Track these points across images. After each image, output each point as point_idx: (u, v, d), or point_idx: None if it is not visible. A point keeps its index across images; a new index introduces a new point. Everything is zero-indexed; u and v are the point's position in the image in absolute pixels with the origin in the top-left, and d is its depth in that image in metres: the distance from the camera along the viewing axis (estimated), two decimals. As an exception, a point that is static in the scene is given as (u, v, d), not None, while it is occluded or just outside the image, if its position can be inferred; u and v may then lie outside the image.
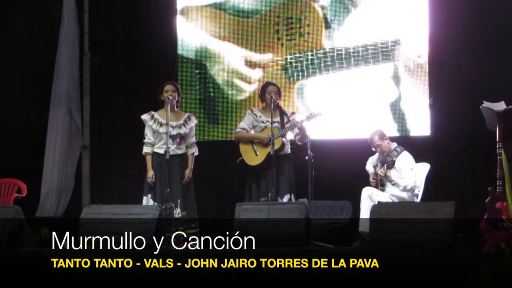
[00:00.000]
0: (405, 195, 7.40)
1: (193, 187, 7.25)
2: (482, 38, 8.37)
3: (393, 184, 7.40)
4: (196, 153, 7.30)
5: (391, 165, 7.41)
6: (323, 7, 8.83)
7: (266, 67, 8.89)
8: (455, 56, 8.46)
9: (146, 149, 7.24)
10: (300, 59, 8.83)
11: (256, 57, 8.92)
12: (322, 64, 8.79)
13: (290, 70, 8.87)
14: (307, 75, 8.81)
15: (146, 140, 7.25)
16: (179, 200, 7.10)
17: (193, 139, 7.32)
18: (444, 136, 8.50)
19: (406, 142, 8.23)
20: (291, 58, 8.86)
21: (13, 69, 9.07)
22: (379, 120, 8.60)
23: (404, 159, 7.48)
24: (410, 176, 7.38)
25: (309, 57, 8.79)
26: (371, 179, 7.58)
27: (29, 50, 9.13)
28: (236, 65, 8.98)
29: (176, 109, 7.33)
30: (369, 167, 7.68)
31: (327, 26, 8.80)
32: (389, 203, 6.90)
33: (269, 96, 7.29)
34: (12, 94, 9.07)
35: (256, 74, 8.93)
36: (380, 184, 7.53)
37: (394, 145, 7.61)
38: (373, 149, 7.65)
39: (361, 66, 8.71)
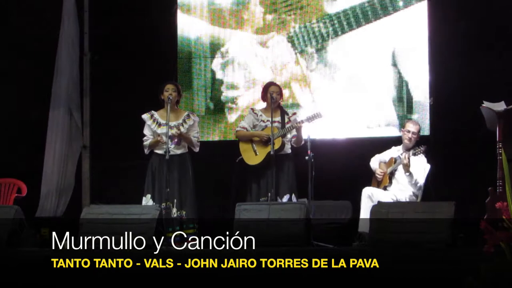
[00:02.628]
0: (407, 195, 7.39)
1: (194, 187, 7.26)
2: (482, 37, 8.37)
3: (407, 175, 7.34)
4: (195, 147, 7.28)
5: (418, 153, 7.34)
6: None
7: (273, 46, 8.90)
8: (455, 56, 8.46)
9: (146, 143, 7.23)
10: (305, 29, 8.85)
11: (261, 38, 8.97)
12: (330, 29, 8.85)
13: (296, 43, 8.88)
14: (315, 44, 8.81)
15: (145, 139, 7.24)
16: (175, 200, 7.10)
17: (196, 135, 7.31)
18: (444, 136, 8.50)
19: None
20: (294, 32, 8.88)
21: (13, 69, 9.07)
22: (379, 120, 8.62)
23: (423, 159, 7.46)
24: (422, 174, 7.38)
25: (314, 25, 8.81)
26: (378, 172, 7.52)
27: (29, 50, 9.13)
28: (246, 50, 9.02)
29: (176, 108, 7.33)
30: (375, 164, 7.66)
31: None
32: (389, 203, 6.90)
33: (269, 96, 7.30)
34: (12, 94, 9.07)
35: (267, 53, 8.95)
36: (389, 180, 7.48)
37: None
38: (406, 134, 7.50)
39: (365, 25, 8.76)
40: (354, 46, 8.78)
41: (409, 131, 7.51)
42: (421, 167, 7.41)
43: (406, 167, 7.34)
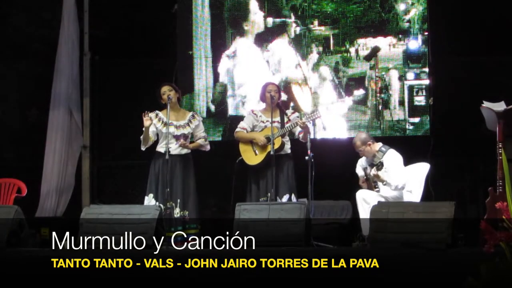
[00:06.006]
0: (397, 194, 7.38)
1: (195, 187, 7.26)
2: (482, 37, 8.37)
3: (384, 184, 7.36)
4: (206, 147, 7.34)
5: (380, 166, 7.34)
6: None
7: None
8: (455, 55, 8.47)
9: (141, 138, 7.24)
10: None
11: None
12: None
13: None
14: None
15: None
16: (179, 200, 7.11)
17: (203, 134, 7.37)
18: (444, 136, 8.50)
19: (406, 142, 8.24)
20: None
21: (13, 69, 9.08)
22: (379, 120, 8.61)
23: (391, 158, 7.43)
24: (399, 174, 7.36)
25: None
26: (360, 182, 7.55)
27: (29, 50, 9.13)
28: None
29: (178, 107, 7.34)
30: (359, 170, 7.66)
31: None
32: (389, 203, 6.90)
33: (269, 95, 7.31)
34: (12, 94, 9.07)
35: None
36: (374, 186, 7.48)
37: (378, 146, 7.52)
38: (359, 152, 7.60)
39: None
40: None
41: (357, 151, 7.55)
42: (393, 168, 7.36)
43: (379, 180, 7.36)
